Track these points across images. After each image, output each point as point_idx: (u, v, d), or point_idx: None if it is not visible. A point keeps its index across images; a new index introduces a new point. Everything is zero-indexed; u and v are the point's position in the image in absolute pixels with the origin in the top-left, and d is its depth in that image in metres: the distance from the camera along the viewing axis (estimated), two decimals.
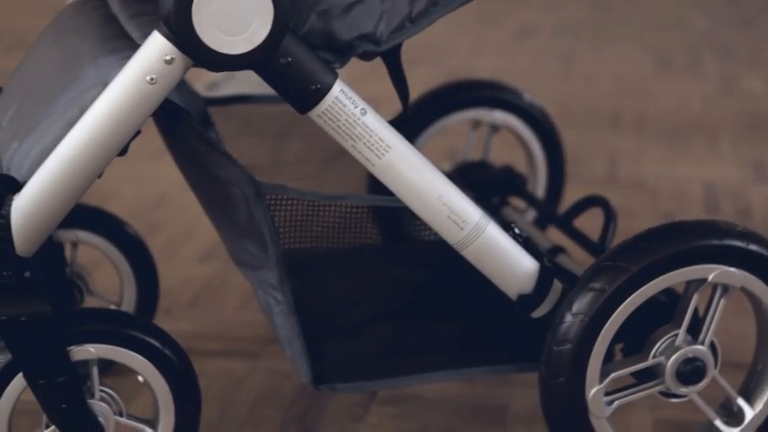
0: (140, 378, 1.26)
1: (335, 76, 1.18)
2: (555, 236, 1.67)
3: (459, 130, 1.82)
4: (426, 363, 1.33)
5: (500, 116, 1.78)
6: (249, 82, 1.37)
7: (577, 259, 1.52)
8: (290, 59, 1.16)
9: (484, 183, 1.75)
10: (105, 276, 1.60)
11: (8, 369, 1.20)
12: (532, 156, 1.80)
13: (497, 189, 1.75)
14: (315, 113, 1.18)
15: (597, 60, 3.03)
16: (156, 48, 1.13)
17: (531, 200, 1.72)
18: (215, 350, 1.65)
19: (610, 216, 1.48)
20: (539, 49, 3.14)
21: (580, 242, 1.53)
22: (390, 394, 1.53)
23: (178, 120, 1.23)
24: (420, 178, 1.21)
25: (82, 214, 1.50)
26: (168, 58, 1.13)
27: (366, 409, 1.51)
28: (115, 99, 1.14)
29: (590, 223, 1.57)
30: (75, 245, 1.52)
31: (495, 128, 1.79)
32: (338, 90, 1.18)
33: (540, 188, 1.80)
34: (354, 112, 1.19)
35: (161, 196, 2.17)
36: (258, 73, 1.17)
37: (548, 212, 1.69)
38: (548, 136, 1.79)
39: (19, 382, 1.21)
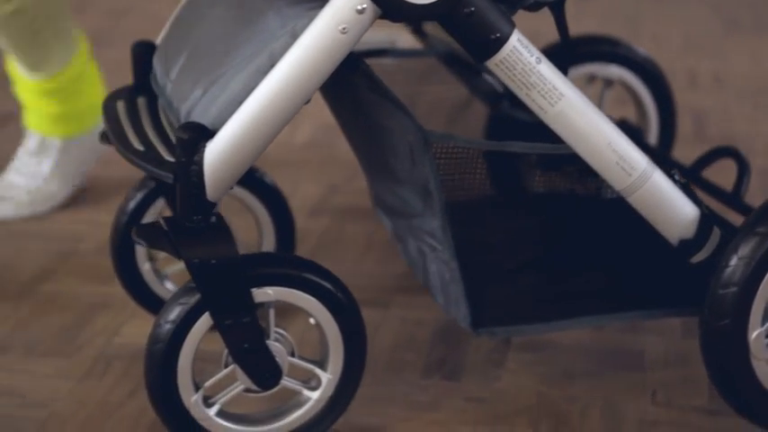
0: (311, 320, 1.30)
1: (513, 26, 1.22)
2: None
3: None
4: (581, 307, 1.37)
5: (615, 71, 1.81)
6: None
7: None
8: (472, 9, 1.19)
9: None
10: (241, 226, 1.64)
11: (195, 309, 1.24)
12: (645, 111, 1.83)
13: None
14: (492, 62, 1.22)
15: (664, 21, 3.05)
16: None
17: (651, 153, 1.75)
18: None
19: (743, 167, 1.52)
20: (604, 10, 3.16)
21: (712, 193, 1.57)
22: (525, 341, 1.57)
23: (353, 69, 1.26)
24: (590, 125, 1.25)
25: None
26: (360, 7, 1.16)
27: (504, 356, 1.55)
28: (308, 48, 1.17)
29: None
30: None
31: (609, 82, 1.82)
32: (515, 39, 1.21)
33: (651, 143, 1.84)
34: (530, 60, 1.22)
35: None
36: (441, 23, 1.20)
37: (675, 164, 1.72)
38: (661, 91, 1.82)
39: (204, 322, 1.25)
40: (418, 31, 1.73)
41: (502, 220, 1.40)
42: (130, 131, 1.32)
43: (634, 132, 1.77)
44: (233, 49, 1.23)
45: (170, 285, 1.57)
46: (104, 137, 1.44)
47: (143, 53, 1.42)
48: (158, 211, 1.55)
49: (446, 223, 1.30)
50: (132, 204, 1.54)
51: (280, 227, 1.60)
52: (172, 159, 1.25)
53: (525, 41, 1.22)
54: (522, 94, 1.24)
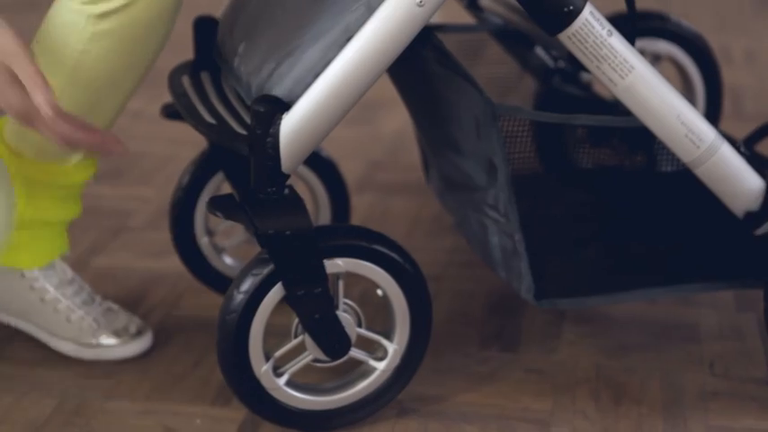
0: (379, 292, 1.31)
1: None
2: None
3: None
4: (641, 280, 1.38)
5: (664, 46, 1.82)
6: None
7: None
8: None
9: None
10: None
11: (268, 280, 1.26)
12: (692, 87, 1.84)
13: None
14: (565, 35, 1.23)
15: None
16: None
17: None
18: None
19: None
20: None
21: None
22: (579, 314, 1.59)
23: (424, 42, 1.27)
24: (660, 98, 1.26)
25: None
26: None
27: (559, 328, 1.56)
28: (385, 21, 1.18)
29: None
30: None
31: (657, 58, 1.83)
32: (588, 12, 1.22)
33: None
34: (602, 33, 1.23)
35: None
36: None
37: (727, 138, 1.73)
38: (708, 67, 1.83)
39: (276, 293, 1.26)
40: (473, 6, 1.74)
41: (563, 193, 1.41)
42: (200, 106, 1.33)
43: None
44: (305, 22, 1.24)
45: (228, 260, 1.59)
46: (169, 112, 1.45)
47: (205, 29, 1.43)
48: (216, 185, 1.56)
49: (512, 196, 1.32)
50: (190, 179, 1.55)
51: (335, 199, 1.61)
52: (243, 132, 1.26)
53: (597, 14, 1.23)
54: (592, 66, 1.25)
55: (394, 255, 1.30)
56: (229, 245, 1.59)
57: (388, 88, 2.32)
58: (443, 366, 1.48)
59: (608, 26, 1.24)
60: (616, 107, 1.63)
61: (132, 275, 1.68)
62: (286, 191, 1.24)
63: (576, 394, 1.43)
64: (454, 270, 1.71)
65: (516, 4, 1.67)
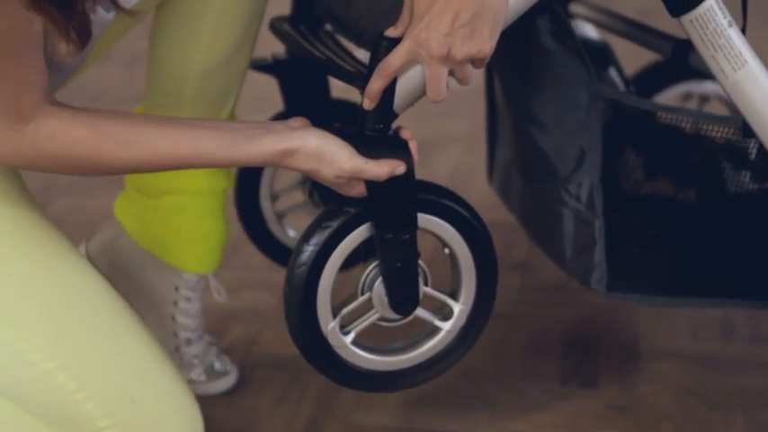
0: (446, 251, 1.30)
1: None
2: None
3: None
4: (709, 288, 1.39)
5: (711, 87, 1.84)
6: None
7: None
8: None
9: None
10: None
11: (357, 218, 1.24)
12: None
13: None
14: (688, 18, 1.24)
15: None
16: None
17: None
18: None
19: None
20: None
21: None
22: (656, 351, 1.59)
23: (544, 10, 1.28)
24: (766, 98, 1.27)
25: (352, 109, 1.56)
26: None
27: (637, 365, 1.57)
28: None
29: None
30: None
31: (705, 99, 1.85)
32: None
33: None
34: (723, 22, 1.24)
35: None
36: None
37: None
38: None
39: (359, 234, 1.24)
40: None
41: (647, 190, 1.42)
42: (309, 46, 1.35)
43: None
44: None
45: (289, 231, 1.59)
46: (257, 65, 1.47)
47: None
48: None
49: (598, 183, 1.32)
50: None
51: None
52: (352, 70, 1.27)
53: (721, 3, 1.24)
54: (707, 54, 1.26)
55: (465, 213, 1.29)
56: (289, 212, 1.59)
57: (441, 129, 2.34)
58: (527, 402, 1.49)
59: (729, 17, 1.25)
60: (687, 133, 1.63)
61: (209, 312, 1.69)
62: (391, 131, 1.24)
63: (660, 431, 1.43)
64: (525, 308, 1.72)
65: (614, 13, 1.70)
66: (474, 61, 1.17)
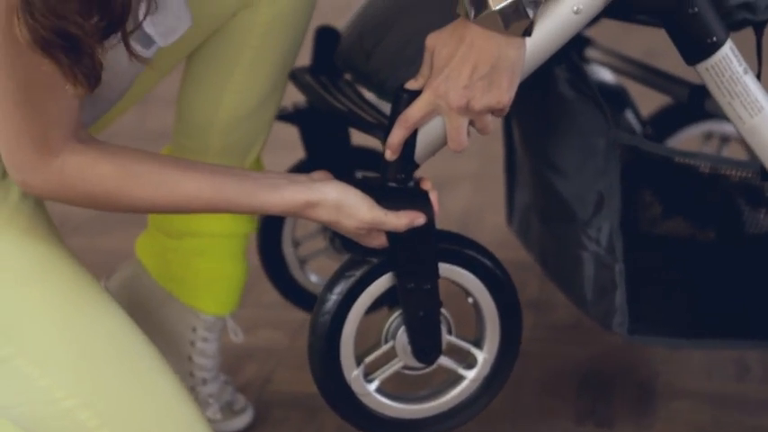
0: (469, 300, 1.31)
1: (728, 34, 1.26)
2: None
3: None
4: (735, 328, 1.40)
5: (731, 127, 1.84)
6: None
7: None
8: (696, 9, 1.24)
9: None
10: None
11: (380, 268, 1.26)
12: None
13: None
14: (703, 66, 1.26)
15: None
16: None
17: None
18: None
19: None
20: None
21: None
22: (671, 390, 1.59)
23: (560, 59, 1.29)
24: None
25: (372, 157, 1.57)
26: None
27: (653, 405, 1.57)
28: (541, 24, 1.20)
29: None
30: None
31: (725, 139, 1.85)
32: (728, 47, 1.25)
33: None
34: (738, 69, 1.26)
35: None
36: (663, 19, 1.24)
37: None
38: None
39: (368, 296, 1.26)
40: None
41: (665, 231, 1.43)
42: (329, 98, 1.37)
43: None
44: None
45: (312, 276, 1.60)
46: (282, 114, 1.49)
47: (327, 37, 1.48)
48: None
49: (618, 228, 1.33)
50: None
51: None
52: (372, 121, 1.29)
53: (735, 50, 1.26)
54: (724, 101, 1.27)
55: (487, 262, 1.30)
56: (312, 258, 1.60)
57: (451, 168, 2.35)
58: None
59: (744, 64, 1.26)
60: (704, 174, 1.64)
61: (223, 350, 1.68)
62: (411, 183, 1.25)
63: None
64: (538, 346, 1.72)
65: (628, 58, 1.71)
66: (493, 112, 1.19)
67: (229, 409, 1.49)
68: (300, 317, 1.66)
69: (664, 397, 1.58)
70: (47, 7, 0.99)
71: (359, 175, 1.29)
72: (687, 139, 1.86)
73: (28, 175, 1.15)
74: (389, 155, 1.23)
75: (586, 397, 1.59)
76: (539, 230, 1.57)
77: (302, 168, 1.57)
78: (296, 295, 1.61)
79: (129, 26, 1.05)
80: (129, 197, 1.16)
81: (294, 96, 1.48)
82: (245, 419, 1.49)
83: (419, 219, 1.22)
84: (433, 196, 1.24)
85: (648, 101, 1.86)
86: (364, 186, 1.23)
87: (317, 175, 1.24)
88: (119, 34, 1.05)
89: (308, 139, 1.56)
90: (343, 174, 1.34)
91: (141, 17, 1.07)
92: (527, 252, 1.65)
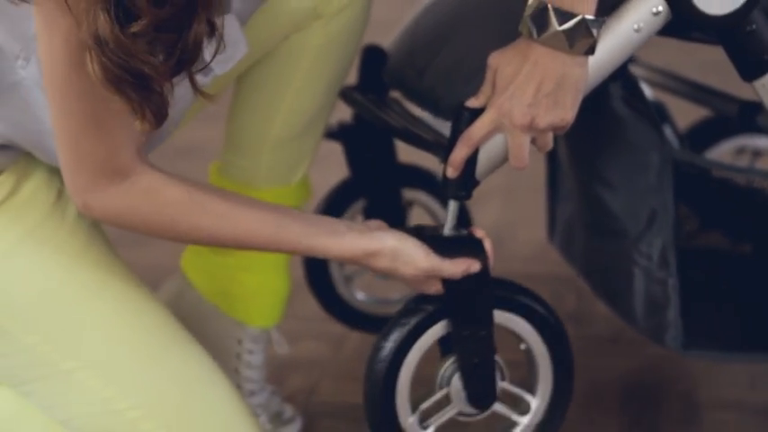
0: (522, 346, 1.32)
1: None
2: None
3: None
4: None
5: (764, 142, 1.85)
6: None
7: None
8: (754, 27, 1.24)
9: None
10: None
11: (434, 315, 1.27)
12: None
13: None
14: (760, 82, 1.27)
15: None
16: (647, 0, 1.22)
17: None
18: None
19: None
20: None
21: None
22: (717, 401, 1.60)
23: (616, 76, 1.30)
24: None
25: (418, 174, 1.61)
26: (656, 10, 1.22)
27: (700, 416, 1.57)
28: (602, 42, 1.20)
29: None
30: (410, 204, 1.62)
31: (757, 154, 1.86)
32: None
33: None
34: None
35: None
36: (721, 36, 1.25)
37: None
38: None
39: (423, 343, 1.27)
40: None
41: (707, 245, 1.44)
42: (387, 117, 1.38)
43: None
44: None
45: (358, 294, 1.62)
46: (330, 132, 1.50)
47: (374, 56, 1.49)
48: (355, 212, 1.60)
49: (671, 243, 1.34)
50: (328, 205, 1.59)
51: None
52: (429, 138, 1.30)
53: None
54: None
55: (540, 309, 1.31)
56: (359, 278, 1.62)
57: (480, 184, 2.35)
58: None
59: None
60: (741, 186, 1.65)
61: (268, 362, 1.69)
62: (464, 232, 1.26)
63: None
64: (579, 359, 1.69)
65: (672, 74, 1.71)
66: (556, 129, 1.20)
67: (278, 419, 1.49)
68: (341, 329, 1.67)
69: (708, 408, 1.59)
70: (119, 46, 0.99)
71: (412, 226, 1.30)
72: (720, 154, 1.87)
73: (90, 197, 1.14)
74: (452, 172, 1.23)
75: (631, 409, 1.60)
76: (584, 244, 1.58)
77: (348, 186, 1.60)
78: (341, 311, 1.62)
79: (197, 64, 1.05)
80: (189, 224, 1.16)
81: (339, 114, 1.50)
82: (294, 429, 1.50)
83: (475, 266, 1.23)
84: (487, 244, 1.25)
85: (681, 117, 1.88)
86: (419, 235, 1.24)
87: (373, 223, 1.25)
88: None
89: (353, 157, 1.58)
90: (389, 192, 1.34)
91: (208, 56, 1.06)
92: (570, 266, 1.66)
